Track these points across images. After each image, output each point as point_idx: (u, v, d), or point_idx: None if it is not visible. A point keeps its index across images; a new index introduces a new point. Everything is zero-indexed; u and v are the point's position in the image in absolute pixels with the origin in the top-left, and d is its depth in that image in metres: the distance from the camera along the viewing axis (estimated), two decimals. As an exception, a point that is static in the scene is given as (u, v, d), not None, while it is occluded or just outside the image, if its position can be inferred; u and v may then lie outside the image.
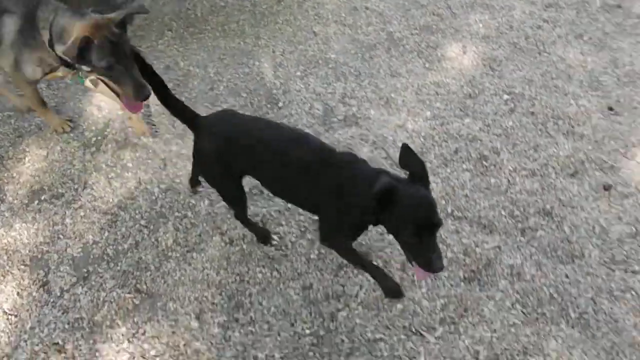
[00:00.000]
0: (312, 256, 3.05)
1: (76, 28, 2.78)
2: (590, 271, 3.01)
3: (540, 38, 4.63)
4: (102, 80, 2.97)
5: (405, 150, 2.18)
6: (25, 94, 3.50)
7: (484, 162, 3.57)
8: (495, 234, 3.18)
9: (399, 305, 2.85)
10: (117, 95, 3.01)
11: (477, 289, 2.92)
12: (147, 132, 3.68)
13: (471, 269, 3.00)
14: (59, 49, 2.88)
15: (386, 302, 2.86)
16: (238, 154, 2.49)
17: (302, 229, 3.18)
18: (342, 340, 2.74)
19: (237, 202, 2.84)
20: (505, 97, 4.06)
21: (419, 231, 2.07)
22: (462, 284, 2.94)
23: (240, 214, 2.93)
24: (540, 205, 3.34)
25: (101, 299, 2.91)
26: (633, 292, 2.95)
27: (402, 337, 2.75)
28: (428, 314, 2.82)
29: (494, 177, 3.49)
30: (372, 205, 2.08)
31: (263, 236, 3.05)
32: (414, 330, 2.78)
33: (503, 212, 3.29)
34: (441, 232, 3.08)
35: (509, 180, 3.48)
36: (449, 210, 3.27)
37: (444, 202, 3.32)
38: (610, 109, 4.02)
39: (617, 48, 4.51)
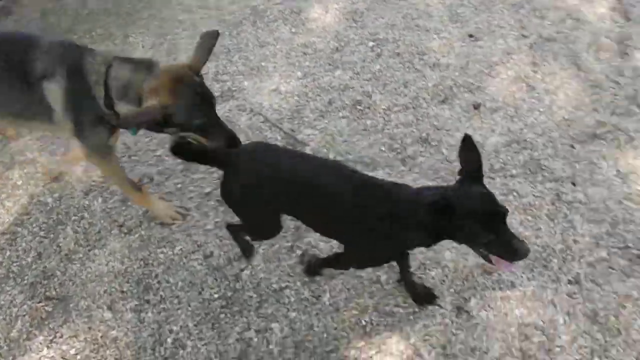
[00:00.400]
0: (208, 227, 3.16)
1: (149, 86, 2.41)
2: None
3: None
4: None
5: (467, 141, 2.02)
6: (105, 172, 3.14)
7: (358, 107, 3.76)
8: (379, 168, 3.37)
9: (298, 252, 2.99)
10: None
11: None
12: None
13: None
14: (124, 108, 2.51)
15: (284, 252, 3.00)
16: (275, 191, 2.32)
17: (196, 203, 3.28)
18: (250, 297, 2.87)
19: (270, 234, 2.73)
20: (371, 44, 4.25)
21: (492, 227, 1.92)
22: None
23: (262, 239, 2.90)
24: (416, 135, 3.56)
25: (13, 315, 2.94)
26: (515, 194, 3.21)
27: (306, 279, 2.90)
28: (326, 253, 2.96)
29: (369, 118, 3.69)
30: (428, 221, 1.94)
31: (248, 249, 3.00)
32: (316, 271, 2.93)
33: (383, 148, 3.49)
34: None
35: (384, 119, 3.68)
36: (332, 157, 3.43)
37: (325, 150, 3.49)
38: (471, 36, 4.28)
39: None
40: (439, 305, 2.75)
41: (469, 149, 2.00)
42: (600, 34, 4.26)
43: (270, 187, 2.30)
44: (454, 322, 2.71)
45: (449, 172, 3.31)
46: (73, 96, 2.58)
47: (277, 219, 2.54)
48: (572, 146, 3.46)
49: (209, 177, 3.36)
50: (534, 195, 3.19)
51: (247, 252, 2.97)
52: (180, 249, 3.09)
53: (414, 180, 3.26)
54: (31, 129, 3.43)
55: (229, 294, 2.89)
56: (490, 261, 2.04)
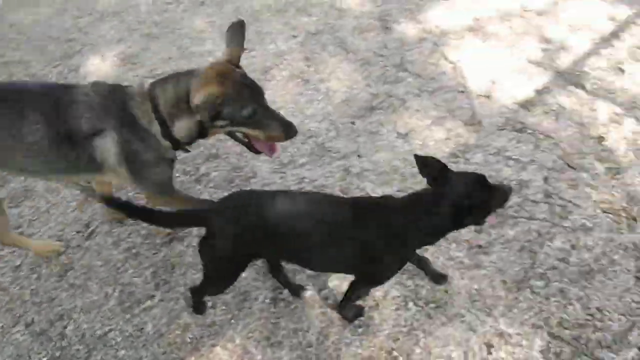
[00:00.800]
0: (26, 297, 3.08)
1: (195, 86, 2.32)
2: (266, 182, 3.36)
3: (168, 19, 4.94)
4: (232, 135, 2.55)
5: (418, 158, 2.09)
6: (173, 205, 2.84)
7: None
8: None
9: (116, 294, 2.99)
10: (246, 144, 2.61)
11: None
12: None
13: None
14: (179, 128, 2.45)
15: (102, 298, 2.99)
16: (270, 238, 2.21)
17: (9, 278, 3.19)
18: (78, 349, 2.81)
19: (227, 284, 2.58)
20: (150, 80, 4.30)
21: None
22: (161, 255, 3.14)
23: (218, 291, 2.71)
24: (206, 153, 3.64)
25: None
26: (307, 180, 3.35)
27: (127, 317, 2.90)
28: (142, 287, 2.98)
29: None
30: (450, 221, 2.06)
31: (202, 307, 2.85)
32: (132, 307, 2.93)
33: (177, 174, 3.53)
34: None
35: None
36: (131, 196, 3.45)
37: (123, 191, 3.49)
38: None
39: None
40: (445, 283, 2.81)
41: (425, 164, 2.07)
42: (363, 17, 4.57)
43: (265, 235, 2.18)
44: (272, 312, 2.80)
45: (242, 178, 3.42)
46: (129, 146, 2.45)
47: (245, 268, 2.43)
48: (353, 123, 3.68)
49: (18, 251, 3.27)
50: (324, 177, 3.35)
51: (201, 309, 2.84)
52: (2, 326, 2.98)
53: (210, 195, 3.34)
54: (77, 181, 3.11)
55: (57, 353, 2.81)
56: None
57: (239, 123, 2.40)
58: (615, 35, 4.68)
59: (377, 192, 3.23)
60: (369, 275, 2.36)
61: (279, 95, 3.95)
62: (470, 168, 3.31)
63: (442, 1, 4.98)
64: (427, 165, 2.06)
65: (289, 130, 2.45)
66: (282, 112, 2.53)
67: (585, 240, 2.96)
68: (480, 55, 4.19)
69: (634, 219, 3.08)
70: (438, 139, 3.54)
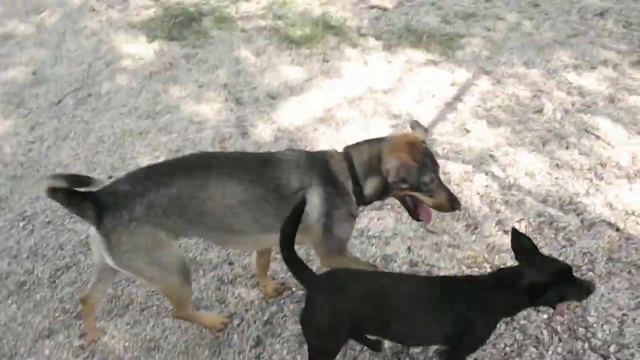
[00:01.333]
0: None
1: (388, 149, 2.68)
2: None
3: (33, 158, 4.91)
4: (403, 198, 2.82)
5: (515, 233, 2.35)
6: (344, 264, 2.89)
7: (24, 287, 3.69)
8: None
9: None
10: (410, 209, 2.85)
11: None
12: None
13: None
14: (369, 186, 2.74)
15: None
16: (368, 314, 2.40)
17: None
18: None
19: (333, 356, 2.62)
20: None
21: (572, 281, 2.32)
22: None
23: None
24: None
25: None
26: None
27: None
28: None
29: (37, 293, 3.63)
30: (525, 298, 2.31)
31: None
32: None
33: (57, 314, 3.45)
34: None
35: (51, 287, 3.65)
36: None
37: None
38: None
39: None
40: None
41: (518, 237, 2.34)
42: (221, 127, 4.73)
43: (364, 313, 2.38)
44: None
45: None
46: (331, 201, 2.69)
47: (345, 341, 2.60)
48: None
49: None
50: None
51: None
52: None
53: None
54: (263, 244, 3.03)
55: None
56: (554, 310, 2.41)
57: (417, 188, 2.68)
58: (457, 99, 5.08)
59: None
60: (462, 344, 2.50)
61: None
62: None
63: (293, 98, 5.26)
64: (520, 241, 2.32)
65: (453, 203, 2.72)
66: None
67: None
68: (336, 142, 4.41)
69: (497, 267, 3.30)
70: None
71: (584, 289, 2.35)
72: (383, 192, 2.76)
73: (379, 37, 6.38)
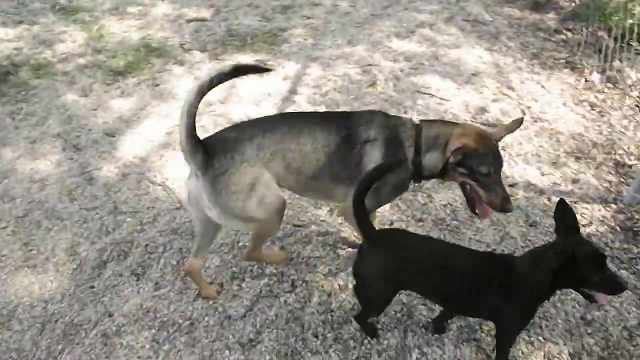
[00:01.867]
0: None
1: (458, 132, 2.83)
2: None
3: None
4: (463, 185, 2.94)
5: (561, 204, 2.40)
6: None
7: None
8: None
9: None
10: (469, 199, 2.96)
11: None
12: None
13: None
14: (430, 157, 2.91)
15: None
16: (410, 272, 2.60)
17: None
18: None
19: (380, 308, 2.90)
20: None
21: (601, 268, 2.28)
22: None
23: (370, 316, 3.01)
24: None
25: None
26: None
27: None
28: None
29: None
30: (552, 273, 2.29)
31: (373, 331, 3.08)
32: None
33: None
34: None
35: None
36: None
37: None
38: None
39: None
40: None
41: (563, 210, 2.38)
42: (64, 179, 4.56)
43: (415, 271, 2.59)
44: None
45: None
46: (388, 158, 2.87)
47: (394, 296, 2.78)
48: (92, 287, 3.66)
49: None
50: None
51: (373, 333, 3.06)
52: None
53: None
54: (327, 195, 3.20)
55: None
56: (594, 300, 2.36)
57: (473, 177, 2.82)
58: (293, 92, 5.23)
59: None
60: (502, 322, 2.59)
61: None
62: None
63: (131, 130, 5.18)
64: (565, 215, 2.38)
65: (505, 202, 2.81)
66: None
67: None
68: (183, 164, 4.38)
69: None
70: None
71: (615, 283, 2.29)
72: (441, 170, 2.93)
73: (204, 48, 6.42)
